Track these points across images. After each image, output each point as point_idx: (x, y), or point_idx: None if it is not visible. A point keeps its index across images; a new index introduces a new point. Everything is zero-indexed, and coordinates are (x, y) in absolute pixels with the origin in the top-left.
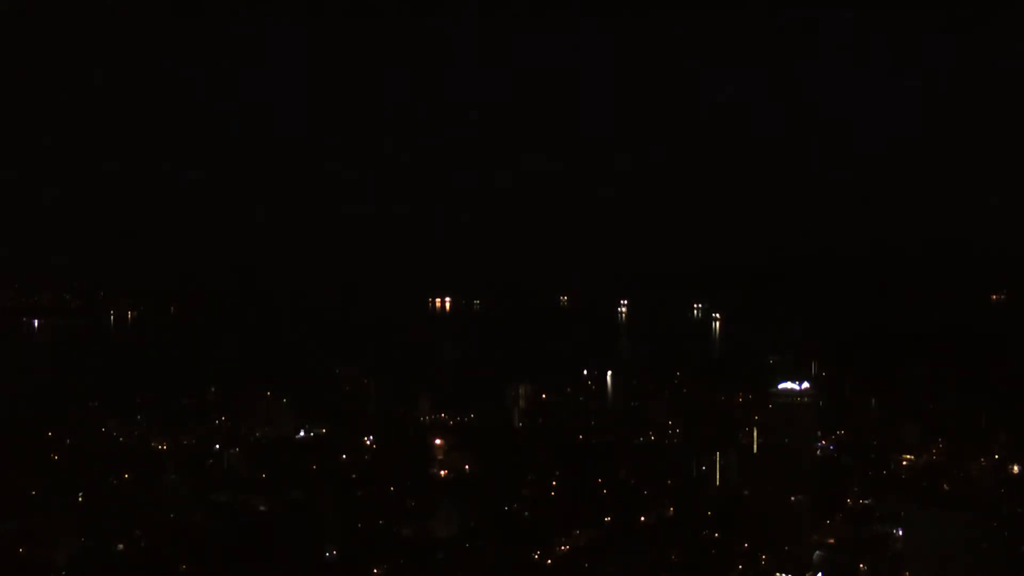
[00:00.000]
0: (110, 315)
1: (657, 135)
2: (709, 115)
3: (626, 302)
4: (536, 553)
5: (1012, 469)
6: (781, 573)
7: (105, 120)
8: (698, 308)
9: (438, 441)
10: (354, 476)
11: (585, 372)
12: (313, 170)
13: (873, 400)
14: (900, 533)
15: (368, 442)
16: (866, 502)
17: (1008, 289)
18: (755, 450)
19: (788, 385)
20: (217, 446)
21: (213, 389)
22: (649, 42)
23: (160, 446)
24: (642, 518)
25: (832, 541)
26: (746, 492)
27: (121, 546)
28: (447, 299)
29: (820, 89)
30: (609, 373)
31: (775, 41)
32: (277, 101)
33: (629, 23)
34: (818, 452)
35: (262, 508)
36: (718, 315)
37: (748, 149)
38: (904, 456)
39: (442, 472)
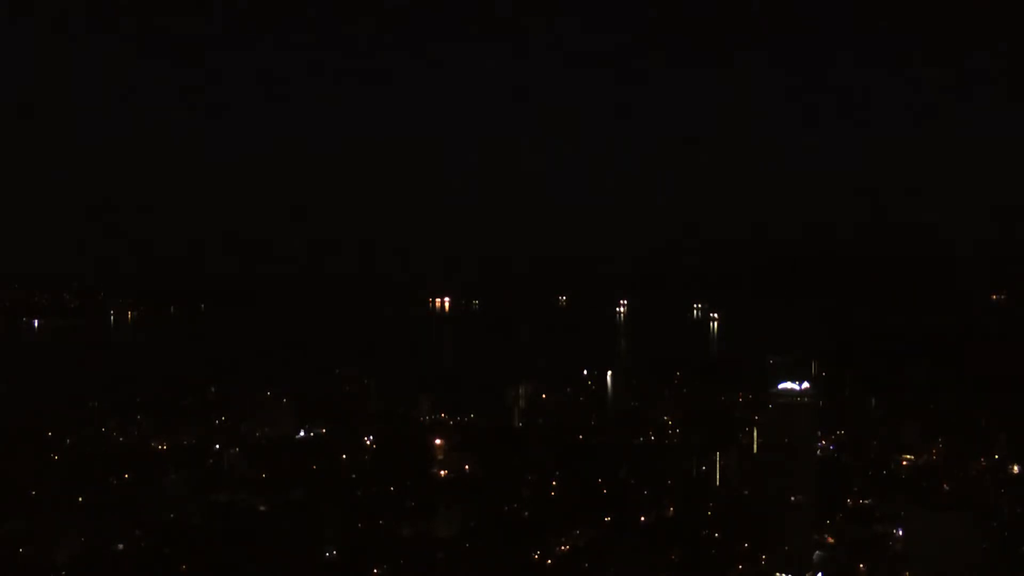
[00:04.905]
0: (110, 315)
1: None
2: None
3: (626, 302)
4: (536, 553)
5: (1012, 469)
6: (781, 573)
7: (104, 120)
8: (698, 308)
9: (438, 441)
10: (354, 476)
11: (585, 372)
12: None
13: (873, 400)
14: (900, 533)
15: (368, 442)
16: (866, 502)
17: (1008, 289)
18: (755, 450)
19: (788, 385)
20: (217, 446)
21: (213, 389)
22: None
23: (160, 446)
24: (642, 518)
25: (832, 541)
26: (746, 492)
27: (121, 546)
28: (447, 299)
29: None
30: (609, 373)
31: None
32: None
33: None
34: (818, 452)
35: (262, 508)
36: (717, 315)
37: (747, 148)
38: (904, 456)
39: (442, 472)
